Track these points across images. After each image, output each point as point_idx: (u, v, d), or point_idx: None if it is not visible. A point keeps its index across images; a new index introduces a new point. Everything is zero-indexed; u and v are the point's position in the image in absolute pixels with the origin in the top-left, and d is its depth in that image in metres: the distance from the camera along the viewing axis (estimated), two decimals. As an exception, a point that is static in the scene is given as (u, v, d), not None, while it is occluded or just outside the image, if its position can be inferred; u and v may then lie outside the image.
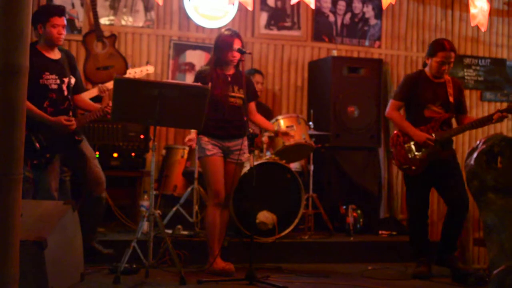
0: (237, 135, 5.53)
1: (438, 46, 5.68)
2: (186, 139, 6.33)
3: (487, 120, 5.54)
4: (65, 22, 5.34)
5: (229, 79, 5.53)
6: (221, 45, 5.53)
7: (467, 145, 8.63)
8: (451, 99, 5.73)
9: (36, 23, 5.25)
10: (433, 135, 5.62)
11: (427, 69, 5.80)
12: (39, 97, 5.13)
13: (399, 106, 5.88)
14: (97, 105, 5.55)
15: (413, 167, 5.71)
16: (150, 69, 6.33)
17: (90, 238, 5.41)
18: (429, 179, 5.73)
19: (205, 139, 5.48)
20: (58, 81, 5.24)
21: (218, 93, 5.41)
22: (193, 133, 5.99)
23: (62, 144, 5.26)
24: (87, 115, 5.42)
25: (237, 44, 5.49)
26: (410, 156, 5.72)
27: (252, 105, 5.75)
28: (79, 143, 5.36)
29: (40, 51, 5.25)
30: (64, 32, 5.32)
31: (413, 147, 5.70)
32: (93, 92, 6.02)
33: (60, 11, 5.33)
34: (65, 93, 5.30)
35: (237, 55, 5.50)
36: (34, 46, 5.22)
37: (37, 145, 5.13)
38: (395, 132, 5.93)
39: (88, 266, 5.20)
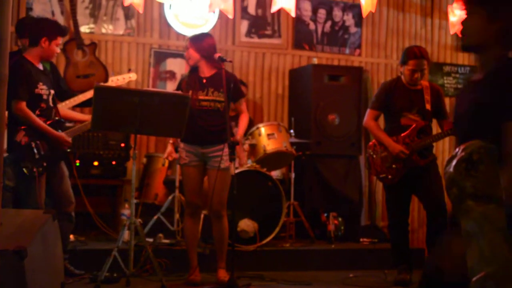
0: (214, 141, 5.36)
1: (410, 54, 5.67)
2: (165, 155, 6.06)
3: None
4: None
5: (204, 81, 5.41)
6: None
7: (447, 153, 8.68)
8: (428, 106, 5.72)
9: (42, 35, 5.21)
10: (410, 145, 5.61)
11: (403, 77, 5.81)
12: (32, 106, 5.12)
13: (376, 115, 5.88)
14: (79, 115, 5.58)
15: (390, 176, 5.71)
16: (133, 76, 6.31)
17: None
18: (408, 186, 5.73)
19: (181, 145, 5.44)
20: (47, 92, 5.25)
21: None
22: (169, 145, 5.88)
23: (55, 154, 5.25)
24: (79, 128, 5.42)
25: (189, 46, 5.47)
26: (386, 166, 5.72)
27: (238, 105, 5.59)
28: (67, 155, 5.35)
29: (31, 61, 5.24)
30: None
31: (389, 156, 5.70)
32: (88, 94, 5.98)
33: (66, 33, 5.51)
34: (51, 103, 5.31)
35: (187, 54, 5.45)
36: (22, 55, 5.21)
37: (36, 153, 5.11)
38: (372, 141, 5.93)
39: (69, 276, 5.18)
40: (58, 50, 5.34)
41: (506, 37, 2.78)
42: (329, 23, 8.53)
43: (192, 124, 5.30)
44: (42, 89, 5.20)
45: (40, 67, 5.31)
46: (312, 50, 8.45)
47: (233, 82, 5.45)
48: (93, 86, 5.14)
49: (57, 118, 5.30)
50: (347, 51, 8.61)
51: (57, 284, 4.61)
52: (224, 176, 5.42)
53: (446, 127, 5.76)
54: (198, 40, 5.49)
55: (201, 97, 5.37)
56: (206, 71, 5.45)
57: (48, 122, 5.18)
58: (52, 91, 5.32)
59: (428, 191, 5.67)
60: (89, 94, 5.92)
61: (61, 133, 5.20)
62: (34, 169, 5.06)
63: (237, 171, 6.15)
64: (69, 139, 5.23)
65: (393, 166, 5.68)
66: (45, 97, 5.22)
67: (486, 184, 4.24)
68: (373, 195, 8.34)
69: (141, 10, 7.27)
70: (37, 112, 5.17)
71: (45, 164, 5.14)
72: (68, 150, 5.33)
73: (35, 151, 5.09)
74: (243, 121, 5.60)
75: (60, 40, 5.33)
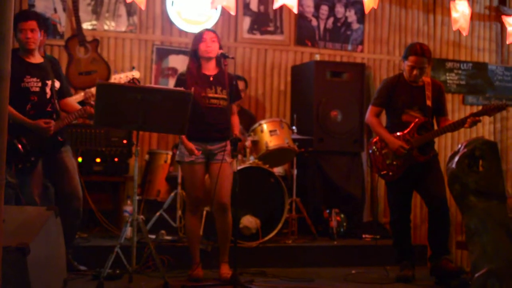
0: (220, 138, 5.36)
1: (411, 50, 5.63)
2: (194, 151, 5.85)
3: (461, 124, 5.54)
4: (36, 25, 5.22)
5: (211, 79, 5.41)
6: (194, 40, 5.51)
7: (449, 149, 8.67)
8: (428, 102, 5.69)
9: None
10: (410, 141, 5.60)
11: (405, 73, 5.79)
12: (21, 101, 5.09)
13: (377, 111, 5.86)
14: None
15: (391, 173, 5.70)
16: (136, 74, 6.30)
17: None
18: (409, 182, 5.71)
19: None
20: (39, 84, 5.20)
21: (195, 94, 5.21)
22: (184, 138, 5.78)
23: (46, 146, 5.23)
24: (65, 117, 5.36)
25: (207, 35, 5.40)
26: (387, 163, 5.71)
27: (233, 106, 5.56)
28: (62, 144, 5.32)
29: (20, 56, 5.22)
30: (32, 35, 5.20)
31: (390, 153, 5.69)
32: (78, 97, 5.98)
33: (24, 16, 5.26)
34: (48, 95, 5.26)
35: (211, 46, 5.41)
36: (15, 53, 5.20)
37: (21, 148, 5.10)
38: (375, 137, 5.91)
39: (71, 272, 5.18)
40: (28, 35, 5.15)
41: None
42: (331, 20, 8.53)
43: (200, 121, 5.30)
44: (30, 82, 5.16)
45: (33, 60, 5.26)
46: (314, 46, 8.44)
47: (235, 81, 5.44)
48: (95, 83, 5.14)
49: (49, 110, 5.25)
50: (350, 47, 8.60)
51: (59, 281, 4.61)
52: (229, 170, 5.42)
53: (442, 124, 5.74)
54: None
55: (210, 95, 5.36)
56: (211, 69, 5.45)
57: (34, 112, 5.13)
58: (49, 82, 5.25)
59: (429, 188, 5.66)
60: (78, 98, 5.88)
61: (36, 121, 5.14)
62: (20, 166, 5.05)
63: (239, 167, 6.16)
64: (49, 125, 5.14)
65: (394, 163, 5.67)
66: (35, 89, 5.18)
67: (489, 180, 4.24)
68: (375, 192, 8.33)
69: (143, 7, 7.27)
70: (29, 106, 5.15)
71: (33, 158, 5.13)
72: (61, 140, 5.28)
73: (20, 147, 5.08)
74: (237, 122, 5.61)
75: (23, 25, 5.13)
